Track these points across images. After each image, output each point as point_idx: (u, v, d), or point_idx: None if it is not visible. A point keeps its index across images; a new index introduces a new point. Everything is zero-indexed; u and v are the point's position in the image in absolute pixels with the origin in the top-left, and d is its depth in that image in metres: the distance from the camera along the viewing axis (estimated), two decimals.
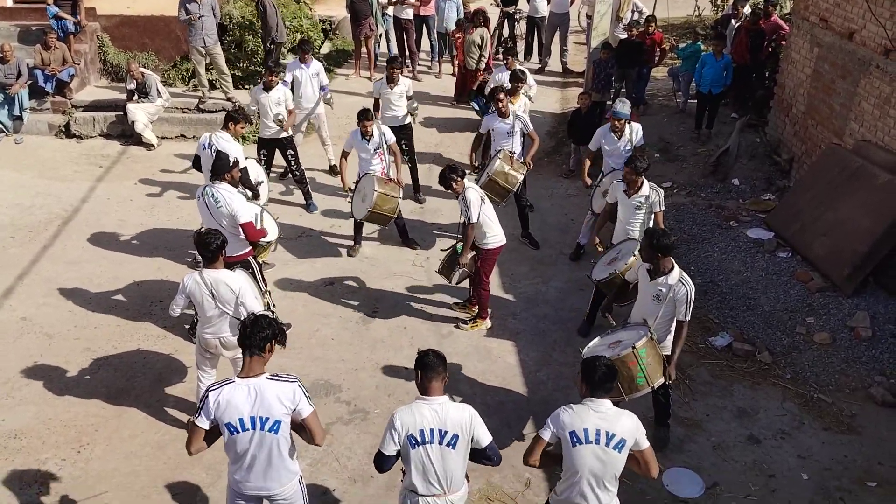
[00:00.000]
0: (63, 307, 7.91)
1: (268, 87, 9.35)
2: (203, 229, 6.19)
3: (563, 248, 9.25)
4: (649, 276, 5.89)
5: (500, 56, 12.95)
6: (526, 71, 10.43)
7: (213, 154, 7.75)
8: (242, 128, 8.22)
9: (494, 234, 7.42)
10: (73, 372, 7.01)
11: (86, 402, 6.65)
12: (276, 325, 4.40)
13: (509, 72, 10.39)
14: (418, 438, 4.27)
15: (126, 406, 6.62)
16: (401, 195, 8.55)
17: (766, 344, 7.48)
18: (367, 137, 8.51)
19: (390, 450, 4.33)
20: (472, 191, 7.17)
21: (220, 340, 5.95)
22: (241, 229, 6.74)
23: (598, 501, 4.41)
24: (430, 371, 4.32)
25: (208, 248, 5.72)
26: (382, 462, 4.41)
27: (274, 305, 7.37)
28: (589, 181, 8.89)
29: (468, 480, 4.66)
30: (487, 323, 7.80)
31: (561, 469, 4.49)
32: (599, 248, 7.82)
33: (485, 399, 6.84)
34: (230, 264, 6.56)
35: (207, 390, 4.35)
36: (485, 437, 4.41)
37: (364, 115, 8.44)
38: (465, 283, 7.93)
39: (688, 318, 5.82)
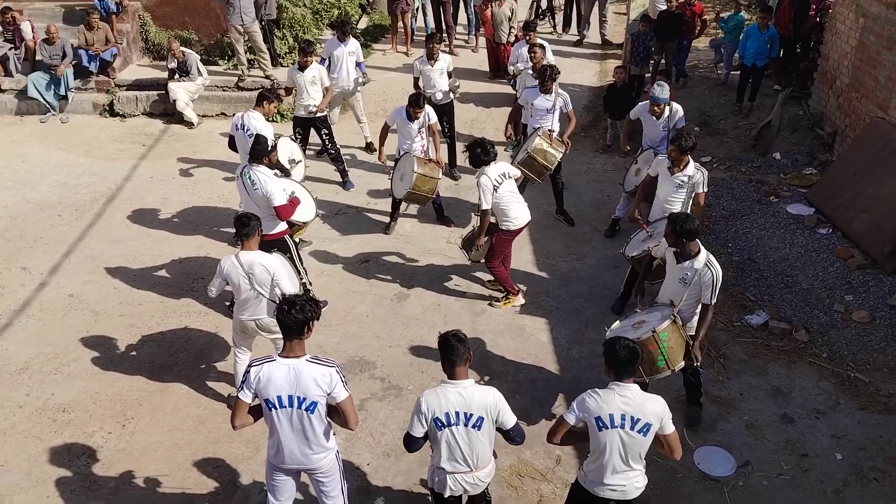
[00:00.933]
0: (108, 284, 8.16)
1: (302, 67, 9.43)
2: (241, 210, 6.33)
3: (599, 225, 9.23)
4: (676, 258, 5.87)
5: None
6: (545, 45, 10.28)
7: (247, 134, 7.90)
8: (275, 107, 8.31)
9: (514, 217, 7.36)
10: (119, 348, 7.25)
11: (130, 377, 6.89)
12: (311, 307, 4.47)
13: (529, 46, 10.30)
14: (444, 421, 4.37)
15: (169, 381, 6.83)
16: (440, 176, 8.56)
17: (802, 322, 7.41)
18: (413, 119, 8.55)
19: (418, 432, 4.44)
20: (485, 177, 7.09)
21: (255, 323, 6.08)
22: (275, 211, 6.86)
23: (625, 478, 4.49)
24: (452, 355, 4.39)
25: (244, 228, 5.88)
26: (411, 443, 4.53)
27: (310, 284, 7.50)
28: (628, 148, 8.81)
29: (496, 457, 4.77)
30: (520, 299, 7.83)
31: (588, 446, 4.55)
32: (639, 218, 7.61)
33: (517, 376, 6.91)
34: (267, 243, 6.72)
35: (250, 365, 4.50)
36: (510, 420, 4.49)
37: (416, 102, 8.44)
38: None
39: (713, 302, 5.79)
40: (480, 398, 4.40)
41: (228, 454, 6.09)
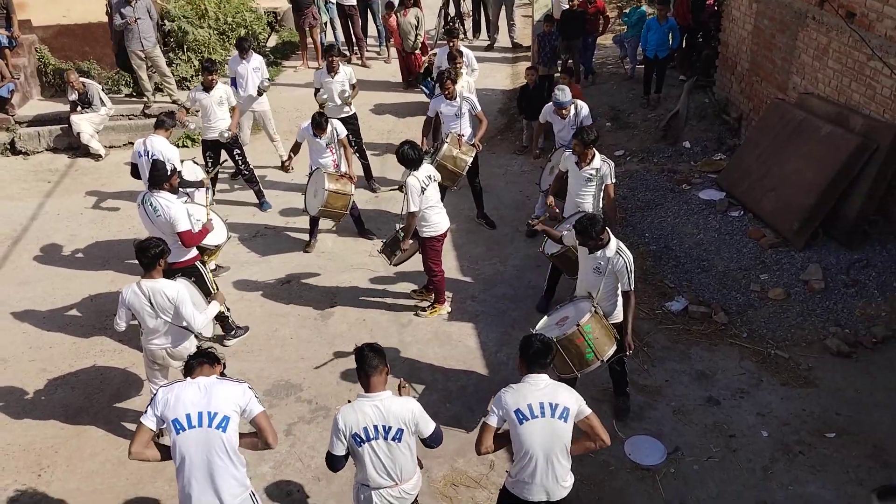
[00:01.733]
0: (16, 329, 7.80)
1: (208, 88, 9.21)
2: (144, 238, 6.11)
3: (519, 226, 9.25)
4: (588, 249, 5.91)
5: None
6: (464, 50, 10.30)
7: (151, 159, 7.67)
8: (169, 132, 8.11)
9: (435, 223, 7.33)
10: (30, 394, 6.92)
11: (44, 423, 6.57)
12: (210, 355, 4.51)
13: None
14: (363, 436, 4.28)
15: (85, 424, 6.55)
16: (352, 190, 8.45)
17: (721, 304, 7.54)
18: (320, 135, 8.43)
19: (339, 450, 4.33)
20: (413, 178, 7.07)
21: (166, 351, 5.89)
22: (178, 237, 6.66)
23: (553, 476, 4.44)
24: (367, 367, 4.32)
25: (146, 254, 5.65)
26: (334, 462, 4.41)
27: (228, 310, 7.31)
28: (537, 152, 8.93)
29: (421, 467, 4.69)
30: (447, 307, 7.79)
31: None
32: (554, 209, 7.64)
33: (446, 384, 6.85)
34: (176, 271, 6.55)
35: (159, 388, 4.38)
36: (428, 428, 4.44)
37: (318, 125, 8.32)
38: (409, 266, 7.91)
39: (632, 287, 5.83)
40: (397, 410, 4.32)
41: (152, 494, 5.85)
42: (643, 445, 6.10)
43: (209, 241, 7.28)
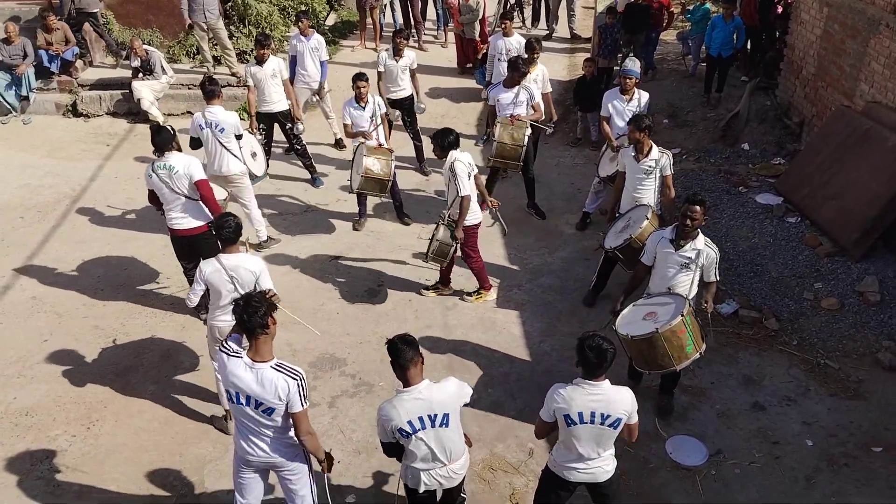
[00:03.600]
0: (72, 286, 7.99)
1: (260, 61, 9.30)
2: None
3: (570, 218, 9.20)
4: (673, 246, 5.85)
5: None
6: (518, 37, 10.29)
7: (218, 130, 7.78)
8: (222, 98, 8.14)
9: (475, 210, 7.29)
10: (83, 350, 7.10)
11: (95, 379, 6.74)
12: (266, 300, 4.37)
13: (506, 38, 10.25)
14: (408, 430, 4.29)
15: (134, 383, 6.70)
16: (392, 158, 8.43)
17: (772, 310, 7.42)
18: (362, 104, 8.48)
19: (388, 438, 4.41)
20: (460, 163, 7.01)
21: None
22: (196, 189, 6.77)
23: (595, 462, 4.49)
24: (402, 360, 4.27)
25: (225, 229, 5.58)
26: (390, 452, 4.51)
27: None
28: (616, 143, 8.68)
29: (470, 445, 4.71)
30: (492, 294, 7.78)
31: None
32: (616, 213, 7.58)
33: (489, 370, 6.86)
34: (194, 237, 6.78)
35: (221, 351, 4.44)
36: (468, 396, 4.49)
37: (359, 76, 8.45)
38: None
39: (718, 279, 5.97)
40: (440, 397, 4.33)
41: (195, 455, 5.97)
42: (685, 445, 6.05)
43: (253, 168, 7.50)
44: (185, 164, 6.76)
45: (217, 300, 5.75)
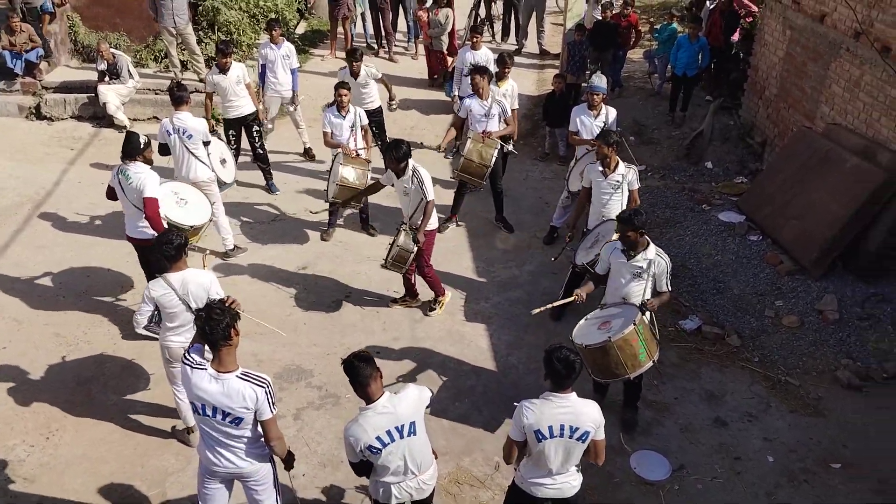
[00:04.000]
0: (32, 292, 7.84)
1: (223, 69, 9.26)
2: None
3: (537, 232, 9.27)
4: (625, 256, 5.92)
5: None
6: (486, 51, 10.47)
7: (185, 136, 7.72)
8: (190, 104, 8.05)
9: (433, 216, 7.40)
10: (43, 357, 6.97)
11: (55, 388, 6.62)
12: (228, 310, 4.31)
13: (474, 52, 10.32)
14: (378, 446, 4.27)
15: (95, 392, 6.59)
16: (368, 168, 8.48)
17: (734, 327, 7.56)
18: (343, 113, 8.56)
19: (357, 458, 4.38)
20: (423, 168, 7.13)
21: (185, 348, 5.70)
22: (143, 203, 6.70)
23: (561, 477, 4.53)
24: (361, 378, 4.24)
25: (170, 246, 5.41)
26: (359, 470, 4.49)
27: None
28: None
29: (436, 457, 4.72)
30: (448, 295, 7.84)
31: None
32: (568, 237, 7.77)
33: (456, 383, 6.88)
34: (142, 247, 6.76)
35: (184, 364, 4.37)
36: (427, 397, 4.51)
37: (341, 85, 8.56)
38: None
39: (669, 289, 6.01)
40: (405, 405, 4.34)
41: (157, 467, 5.89)
42: (649, 460, 6.12)
43: (181, 219, 7.18)
44: (139, 178, 6.68)
45: (169, 321, 5.58)
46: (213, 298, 5.33)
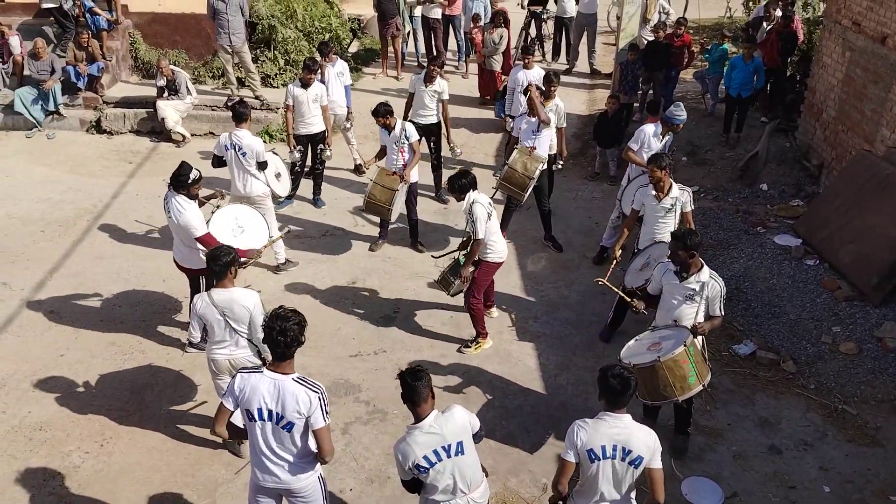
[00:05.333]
0: (90, 301, 8.03)
1: (306, 85, 9.45)
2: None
3: (587, 252, 9.21)
4: (678, 277, 5.85)
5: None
6: (538, 70, 10.43)
7: (241, 153, 7.86)
8: (250, 123, 8.16)
9: (497, 249, 7.21)
10: (99, 366, 7.12)
11: (110, 396, 6.75)
12: (298, 319, 4.37)
13: (526, 71, 10.34)
14: (425, 465, 4.28)
15: (149, 401, 6.71)
16: (397, 187, 8.48)
17: (790, 353, 7.39)
18: (388, 130, 8.64)
19: (408, 476, 4.39)
20: (479, 205, 6.90)
21: (229, 361, 5.73)
22: (197, 243, 6.77)
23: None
24: (415, 398, 4.27)
25: (217, 263, 5.51)
26: (411, 488, 4.49)
27: None
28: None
29: (486, 474, 4.70)
30: (489, 342, 7.56)
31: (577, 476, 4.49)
32: (616, 258, 7.53)
33: (503, 402, 6.84)
34: (195, 277, 6.80)
35: (238, 372, 4.45)
36: (476, 424, 4.48)
37: (376, 112, 8.64)
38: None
39: (722, 313, 5.88)
40: (452, 426, 4.33)
41: (208, 477, 5.96)
42: (701, 487, 5.99)
43: (247, 244, 7.23)
44: (181, 217, 6.69)
45: (212, 335, 5.70)
46: (255, 321, 5.50)
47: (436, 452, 4.28)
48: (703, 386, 5.71)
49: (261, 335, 5.37)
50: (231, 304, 5.54)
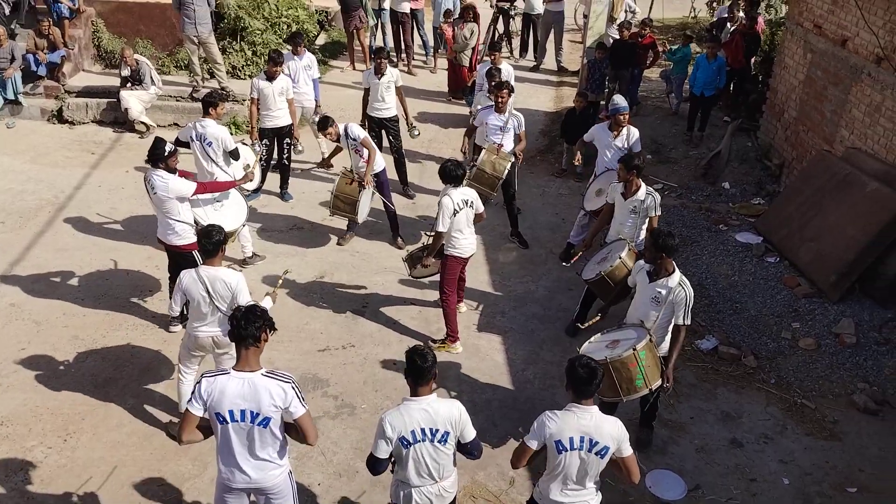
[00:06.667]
0: (52, 294, 7.91)
1: (271, 78, 9.39)
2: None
3: (554, 248, 9.29)
4: (649, 277, 5.92)
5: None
6: (505, 66, 10.55)
7: (206, 144, 7.81)
8: (223, 109, 8.21)
9: (461, 246, 7.20)
10: (61, 360, 7.02)
11: (73, 390, 6.66)
12: (266, 314, 4.40)
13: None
14: (410, 439, 4.32)
15: (113, 395, 6.63)
16: (359, 197, 8.52)
17: (751, 348, 7.55)
18: (336, 139, 8.69)
19: (382, 453, 4.38)
20: (448, 199, 6.93)
21: (212, 339, 5.85)
22: (179, 219, 6.89)
23: (580, 495, 4.53)
24: (419, 377, 4.33)
25: (209, 240, 5.63)
26: (376, 465, 4.46)
27: None
28: (579, 159, 9.16)
29: (455, 466, 4.73)
30: (458, 347, 7.51)
31: (544, 466, 4.56)
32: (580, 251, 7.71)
33: (472, 397, 6.88)
34: (180, 254, 6.79)
35: (203, 376, 4.40)
36: (470, 433, 4.49)
37: (321, 127, 8.69)
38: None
39: (687, 323, 5.85)
40: (445, 413, 4.38)
41: (174, 472, 5.91)
42: (664, 480, 6.10)
43: (220, 224, 7.23)
44: (164, 187, 6.81)
45: (196, 312, 5.80)
46: (237, 300, 5.59)
47: (423, 430, 4.33)
48: (651, 391, 5.80)
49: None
50: (215, 282, 5.65)
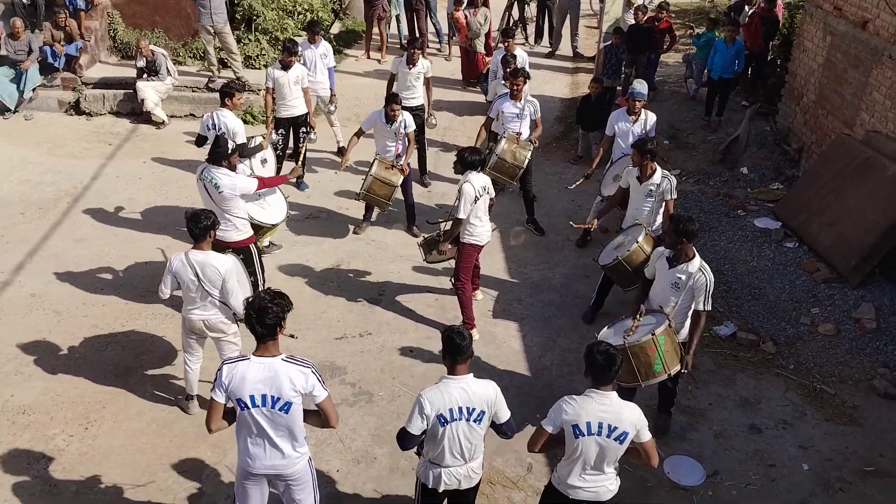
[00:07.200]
0: (72, 284, 7.97)
1: (286, 66, 9.39)
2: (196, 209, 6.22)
3: (570, 235, 9.24)
4: (668, 263, 5.89)
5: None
6: (519, 52, 10.47)
7: (220, 133, 7.82)
8: (240, 99, 8.26)
9: (477, 233, 7.18)
10: (81, 349, 7.08)
11: (93, 379, 6.72)
12: (280, 305, 4.36)
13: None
14: (447, 417, 4.36)
15: (133, 384, 6.68)
16: (398, 182, 8.52)
17: (770, 334, 7.50)
18: (391, 121, 8.54)
19: (416, 429, 4.39)
20: (469, 185, 6.91)
21: (204, 322, 5.93)
22: (237, 216, 6.91)
23: (598, 480, 4.54)
24: (458, 354, 4.38)
25: (197, 225, 5.69)
26: (407, 440, 4.46)
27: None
28: (593, 168, 8.92)
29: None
30: (474, 335, 7.27)
31: (562, 452, 4.55)
32: (590, 226, 7.92)
33: None
34: (234, 251, 6.71)
35: (223, 363, 4.42)
36: (505, 413, 4.55)
37: (393, 99, 8.53)
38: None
39: (708, 308, 5.83)
40: (482, 392, 4.42)
41: (194, 459, 5.96)
42: (682, 465, 6.09)
43: (267, 218, 7.47)
44: (230, 183, 6.78)
45: (187, 296, 5.92)
46: (227, 286, 5.72)
47: (460, 409, 4.37)
48: (669, 376, 5.78)
49: (233, 300, 5.75)
50: (204, 267, 5.73)
